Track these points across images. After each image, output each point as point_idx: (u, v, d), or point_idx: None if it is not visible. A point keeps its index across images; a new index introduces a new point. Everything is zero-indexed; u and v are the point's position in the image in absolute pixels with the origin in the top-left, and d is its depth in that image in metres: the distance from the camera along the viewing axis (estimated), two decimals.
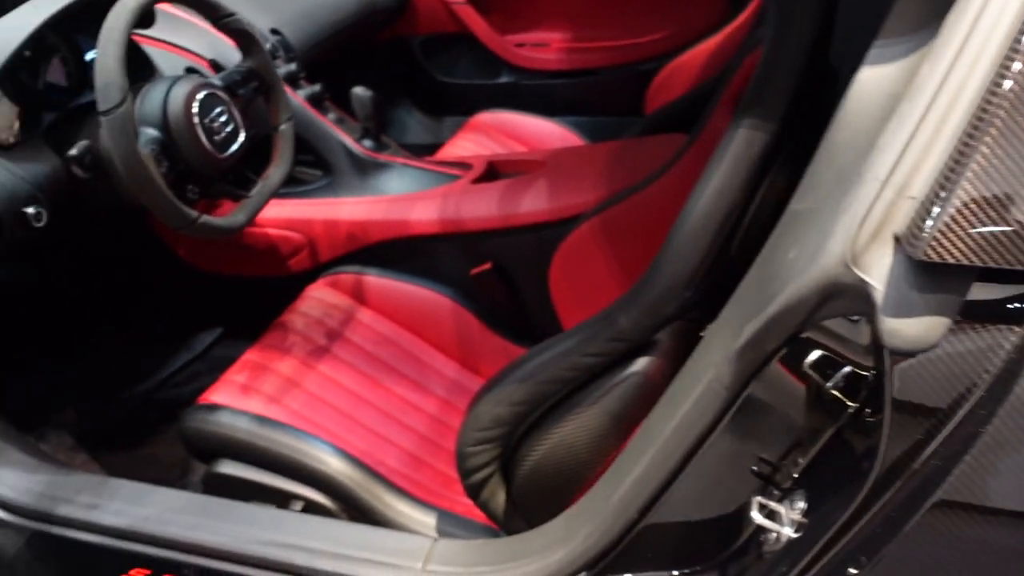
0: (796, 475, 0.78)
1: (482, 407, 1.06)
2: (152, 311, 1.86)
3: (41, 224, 1.19)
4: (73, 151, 1.15)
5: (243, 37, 1.34)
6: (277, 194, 1.56)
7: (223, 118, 1.26)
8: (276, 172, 1.37)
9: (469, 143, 2.13)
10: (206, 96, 1.23)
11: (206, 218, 1.19)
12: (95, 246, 1.68)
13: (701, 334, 0.89)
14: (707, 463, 0.81)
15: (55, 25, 1.25)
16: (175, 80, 1.23)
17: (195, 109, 1.21)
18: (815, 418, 0.75)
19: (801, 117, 0.89)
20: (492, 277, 1.55)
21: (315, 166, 1.68)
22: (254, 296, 1.77)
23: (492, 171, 1.68)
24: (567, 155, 1.66)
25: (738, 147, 0.87)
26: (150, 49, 1.51)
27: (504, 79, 2.44)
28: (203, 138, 1.21)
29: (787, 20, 0.89)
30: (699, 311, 0.96)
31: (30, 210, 1.17)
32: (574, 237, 1.43)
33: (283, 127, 1.39)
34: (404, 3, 2.35)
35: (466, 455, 1.08)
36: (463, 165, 1.69)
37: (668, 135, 1.61)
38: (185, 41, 1.56)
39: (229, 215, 1.25)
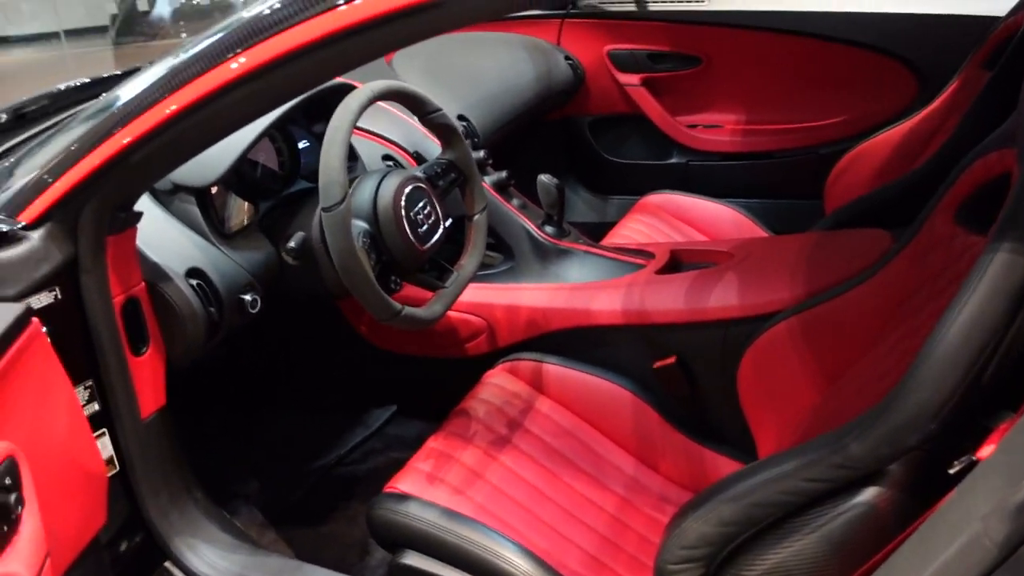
0: None
1: (688, 523, 1.01)
2: (330, 386, 1.92)
3: (255, 311, 1.24)
4: (291, 243, 1.20)
5: (446, 131, 1.38)
6: None
7: (426, 210, 1.29)
8: (470, 261, 1.39)
9: (640, 225, 2.11)
10: (412, 189, 1.27)
11: (409, 310, 1.21)
12: (285, 325, 1.75)
13: (950, 471, 0.82)
14: None
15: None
16: (384, 174, 1.27)
17: (403, 202, 1.24)
18: None
19: None
20: (676, 371, 1.51)
21: (497, 250, 1.70)
22: (429, 376, 1.79)
23: (675, 261, 1.65)
24: (755, 247, 1.61)
25: (997, 272, 0.81)
26: (361, 141, 1.59)
27: (674, 160, 2.43)
28: (408, 231, 1.24)
29: None
30: (938, 442, 0.89)
31: (247, 297, 1.23)
32: (769, 335, 1.38)
33: (477, 217, 1.42)
34: (578, 85, 2.39)
35: (667, 572, 1.03)
36: (645, 254, 1.67)
37: (864, 231, 1.53)
38: (383, 130, 1.62)
39: (427, 306, 1.27)
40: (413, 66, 1.96)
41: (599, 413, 1.54)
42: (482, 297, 1.64)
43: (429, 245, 1.29)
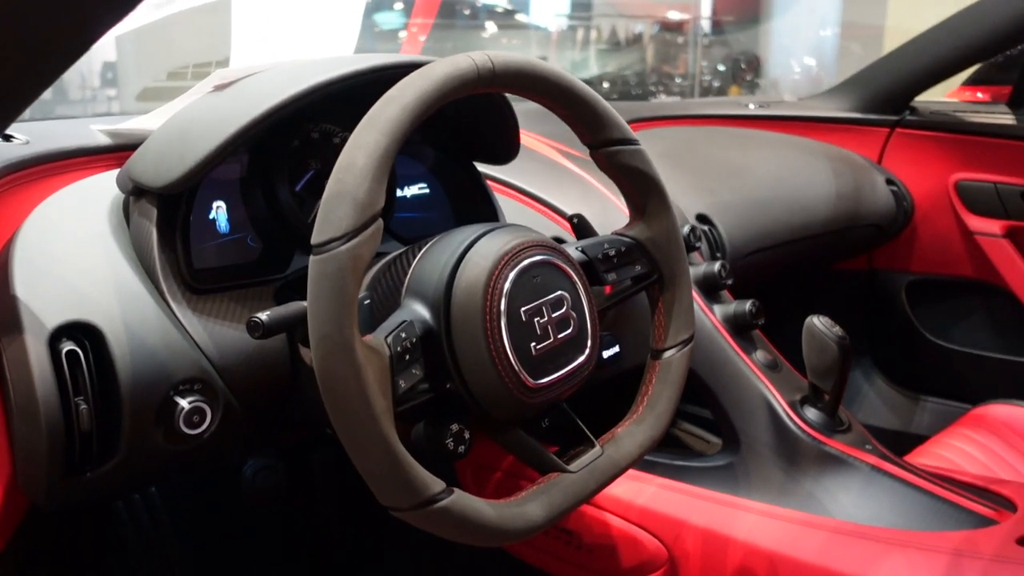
0: None
1: None
2: None
3: (200, 431, 0.66)
4: (262, 315, 0.61)
5: (639, 183, 0.75)
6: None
7: (558, 312, 0.65)
8: (635, 435, 0.72)
9: (972, 447, 1.30)
10: (534, 265, 0.64)
11: (461, 499, 0.57)
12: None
13: None
14: None
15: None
16: (488, 230, 0.66)
17: (505, 287, 0.62)
18: None
19: None
20: None
21: (715, 431, 1.01)
22: None
23: None
24: None
25: None
26: (511, 204, 1.01)
27: None
28: (507, 344, 0.61)
29: None
30: None
31: (183, 402, 0.65)
32: None
33: (670, 354, 0.76)
34: (901, 225, 1.66)
35: None
36: (997, 498, 0.88)
37: None
38: (558, 197, 1.03)
39: (511, 501, 0.61)
40: (654, 150, 1.37)
41: None
42: (668, 505, 0.94)
43: (548, 381, 0.64)
